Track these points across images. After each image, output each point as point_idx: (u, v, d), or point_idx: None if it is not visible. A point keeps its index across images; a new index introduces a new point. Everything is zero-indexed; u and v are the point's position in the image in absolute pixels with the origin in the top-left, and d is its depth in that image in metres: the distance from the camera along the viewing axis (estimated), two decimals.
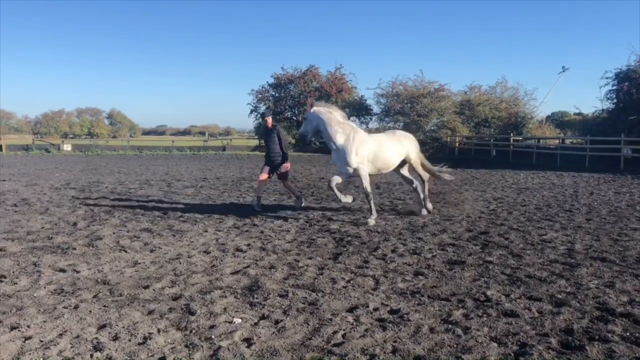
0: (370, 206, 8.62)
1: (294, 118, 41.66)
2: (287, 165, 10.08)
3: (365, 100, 41.11)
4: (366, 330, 3.94)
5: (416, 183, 9.55)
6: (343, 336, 3.82)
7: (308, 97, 39.38)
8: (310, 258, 6.14)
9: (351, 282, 5.18)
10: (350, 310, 4.39)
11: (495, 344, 3.68)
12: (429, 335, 3.84)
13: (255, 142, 43.12)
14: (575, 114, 45.88)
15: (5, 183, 14.94)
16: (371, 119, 40.51)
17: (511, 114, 34.10)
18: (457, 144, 33.29)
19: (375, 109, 39.38)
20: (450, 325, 4.02)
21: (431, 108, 33.96)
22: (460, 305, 4.51)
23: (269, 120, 10.44)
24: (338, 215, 9.15)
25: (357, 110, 40.71)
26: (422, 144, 33.44)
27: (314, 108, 8.95)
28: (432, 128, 34.96)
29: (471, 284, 5.14)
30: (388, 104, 36.27)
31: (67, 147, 38.96)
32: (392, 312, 4.35)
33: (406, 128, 34.23)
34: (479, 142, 32.31)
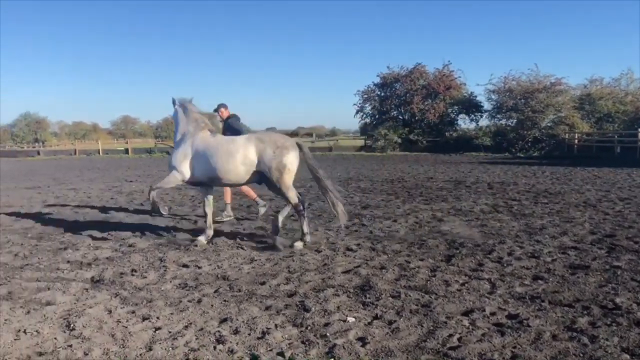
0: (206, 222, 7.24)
1: (400, 117, 41.28)
2: None
3: (475, 97, 39.78)
4: (483, 334, 3.82)
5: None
6: (459, 340, 3.73)
7: (415, 95, 38.87)
8: (421, 259, 6.05)
9: (465, 285, 5.04)
10: (466, 313, 4.27)
11: (628, 356, 3.41)
12: (551, 343, 3.64)
13: (361, 142, 43.23)
14: None
15: (133, 184, 16.20)
16: (481, 116, 39.15)
17: (638, 108, 31.46)
18: (576, 141, 31.21)
19: (486, 105, 38.03)
20: (574, 333, 3.79)
21: (547, 103, 32.14)
22: (585, 312, 4.23)
23: (224, 111, 9.01)
24: (449, 217, 8.94)
25: (466, 107, 39.52)
26: (538, 141, 32.26)
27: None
28: (549, 124, 33.05)
29: (597, 290, 4.81)
30: (500, 100, 34.84)
31: None
32: (511, 317, 4.17)
33: (520, 124, 32.76)
34: (600, 139, 30.07)
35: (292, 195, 6.80)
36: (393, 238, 7.30)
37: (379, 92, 42.01)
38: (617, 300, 4.47)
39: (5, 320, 4.26)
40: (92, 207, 10.79)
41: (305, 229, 6.87)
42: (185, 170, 6.98)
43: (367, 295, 4.75)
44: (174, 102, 7.45)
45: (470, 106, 39.54)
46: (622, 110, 32.27)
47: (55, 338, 3.88)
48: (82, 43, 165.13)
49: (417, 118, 39.19)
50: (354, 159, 31.48)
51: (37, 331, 4.00)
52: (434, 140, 37.90)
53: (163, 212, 7.30)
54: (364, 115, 43.03)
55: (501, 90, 35.12)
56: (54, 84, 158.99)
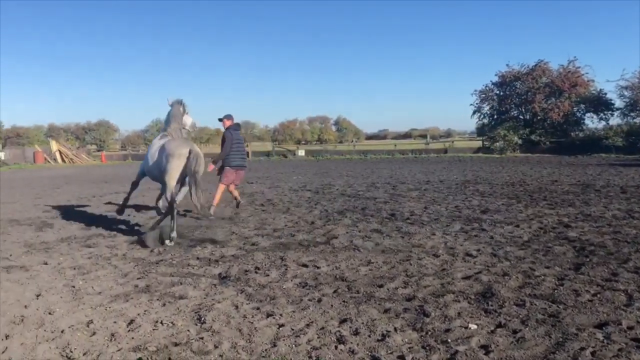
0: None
1: (521, 117, 39.47)
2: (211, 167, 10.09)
3: (605, 94, 37.00)
4: (620, 350, 3.55)
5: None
6: (592, 354, 3.50)
7: (536, 94, 37.00)
8: (547, 267, 5.74)
9: (598, 295, 4.71)
10: (599, 326, 3.99)
11: None
12: None
13: (478, 144, 41.86)
14: None
15: (253, 185, 16.95)
16: (612, 114, 36.33)
17: None
18: None
19: (618, 103, 35.25)
20: None
21: None
22: None
23: (226, 121, 10.26)
24: (577, 223, 8.40)
25: (595, 105, 36.89)
26: None
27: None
28: None
29: None
30: (634, 97, 32.15)
31: (301, 152, 42.71)
32: None
33: None
34: None
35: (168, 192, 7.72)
36: (516, 244, 7.00)
37: (497, 92, 40.55)
38: None
39: (145, 311, 4.65)
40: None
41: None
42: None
43: (490, 303, 4.60)
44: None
45: (599, 104, 36.88)
46: None
47: (188, 330, 4.17)
48: (200, 46, 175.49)
49: (539, 118, 37.32)
50: (470, 161, 30.56)
51: (172, 323, 4.32)
52: (557, 141, 35.81)
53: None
54: (482, 116, 41.76)
55: (635, 86, 32.38)
56: (180, 91, 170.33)
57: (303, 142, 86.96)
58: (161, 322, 4.33)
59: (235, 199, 10.61)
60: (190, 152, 7.62)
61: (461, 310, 4.45)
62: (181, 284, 5.46)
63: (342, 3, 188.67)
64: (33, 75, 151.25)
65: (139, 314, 4.55)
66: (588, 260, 5.98)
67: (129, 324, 4.32)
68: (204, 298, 4.98)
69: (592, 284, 5.07)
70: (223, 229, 8.53)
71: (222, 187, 10.19)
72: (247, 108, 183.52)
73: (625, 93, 33.38)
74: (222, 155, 10.13)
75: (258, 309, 4.63)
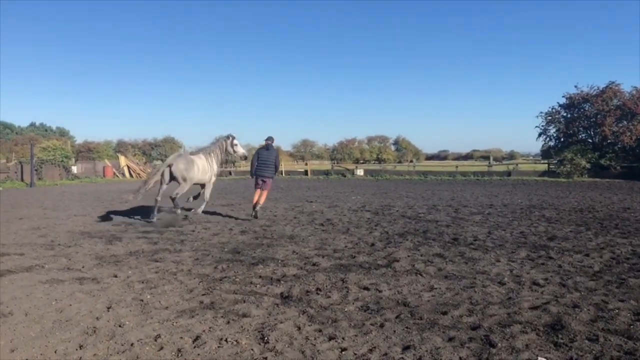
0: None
1: (589, 140, 38.01)
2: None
3: None
4: None
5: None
6: None
7: (607, 116, 35.57)
8: (621, 301, 5.47)
9: None
10: None
11: None
12: None
13: (543, 167, 40.54)
14: None
15: (313, 204, 17.06)
16: None
17: None
18: None
19: None
20: None
21: None
22: None
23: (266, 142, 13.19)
24: None
25: None
26: None
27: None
28: None
29: None
30: None
31: (359, 172, 42.67)
32: None
33: None
34: None
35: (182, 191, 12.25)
36: (586, 274, 6.71)
37: (564, 114, 39.28)
38: None
39: (210, 328, 4.75)
40: (278, 225, 11.59)
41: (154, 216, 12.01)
42: None
43: (560, 336, 4.43)
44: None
45: None
46: None
47: (252, 349, 4.23)
48: (263, 66, 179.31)
49: (609, 141, 35.81)
50: (535, 184, 29.61)
51: (236, 341, 4.40)
52: (629, 166, 34.19)
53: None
54: (548, 138, 40.44)
55: None
56: (237, 109, 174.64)
57: (362, 162, 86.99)
58: (226, 340, 4.41)
59: (256, 203, 12.95)
60: (170, 166, 12.14)
61: (529, 342, 4.30)
62: (244, 301, 5.56)
63: (406, 24, 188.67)
64: (104, 92, 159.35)
65: (204, 331, 4.65)
66: None
67: (195, 340, 4.42)
68: (267, 317, 5.04)
69: None
70: (284, 247, 8.62)
71: (256, 191, 13.06)
72: (306, 127, 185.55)
73: None
74: (251, 168, 13.42)
75: (320, 331, 4.64)
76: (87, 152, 58.00)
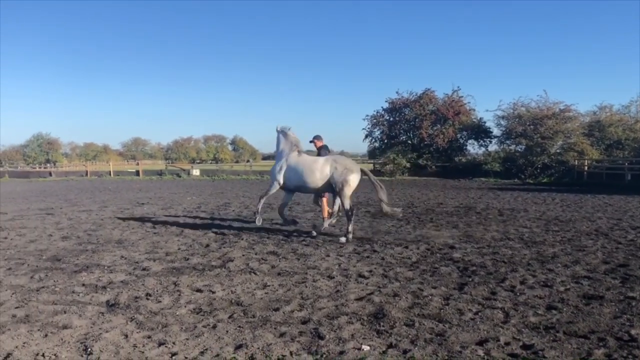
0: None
1: (409, 142, 41.43)
2: None
3: (484, 122, 39.96)
4: None
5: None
6: None
7: (424, 120, 39.07)
8: (434, 287, 6.06)
9: (479, 314, 5.04)
10: (480, 343, 4.27)
11: None
12: None
13: (369, 166, 43.31)
14: None
15: (145, 206, 16.31)
16: (490, 141, 39.29)
17: None
18: (585, 168, 31.17)
19: (495, 131, 38.20)
20: None
21: (556, 130, 32.24)
22: (601, 344, 4.23)
23: (317, 142, 11.27)
24: (461, 244, 8.95)
25: (476, 133, 39.70)
26: (547, 168, 32.21)
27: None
28: (558, 151, 33.09)
29: (612, 321, 4.80)
30: (509, 126, 34.96)
31: (195, 172, 41.78)
32: (525, 347, 4.18)
33: (529, 151, 32.78)
34: (611, 166, 30.02)
35: (347, 202, 9.62)
36: (405, 265, 7.31)
37: (387, 117, 42.26)
38: (633, 332, 4.46)
39: (24, 343, 4.31)
40: (105, 229, 10.88)
41: (350, 229, 9.41)
42: (281, 179, 9.79)
43: (381, 324, 4.76)
44: (277, 129, 10.19)
45: (480, 132, 39.70)
46: (633, 138, 32.31)
47: None
48: (93, 63, 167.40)
49: (426, 143, 39.36)
50: (362, 182, 31.44)
51: (55, 355, 4.05)
52: (443, 165, 38.02)
53: (257, 223, 10.07)
54: (373, 140, 43.24)
55: (510, 116, 35.29)
56: (65, 104, 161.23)
57: (198, 161, 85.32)
58: (42, 355, 4.04)
59: (329, 213, 11.04)
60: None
61: (355, 331, 4.56)
62: (65, 312, 5.14)
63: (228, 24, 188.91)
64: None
65: (16, 347, 4.21)
66: (470, 280, 6.39)
67: (5, 358, 3.98)
68: (91, 327, 4.71)
69: (474, 302, 5.42)
70: (111, 253, 8.13)
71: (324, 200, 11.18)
72: (138, 124, 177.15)
73: (502, 122, 36.15)
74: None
75: (149, 337, 4.46)
76: None
